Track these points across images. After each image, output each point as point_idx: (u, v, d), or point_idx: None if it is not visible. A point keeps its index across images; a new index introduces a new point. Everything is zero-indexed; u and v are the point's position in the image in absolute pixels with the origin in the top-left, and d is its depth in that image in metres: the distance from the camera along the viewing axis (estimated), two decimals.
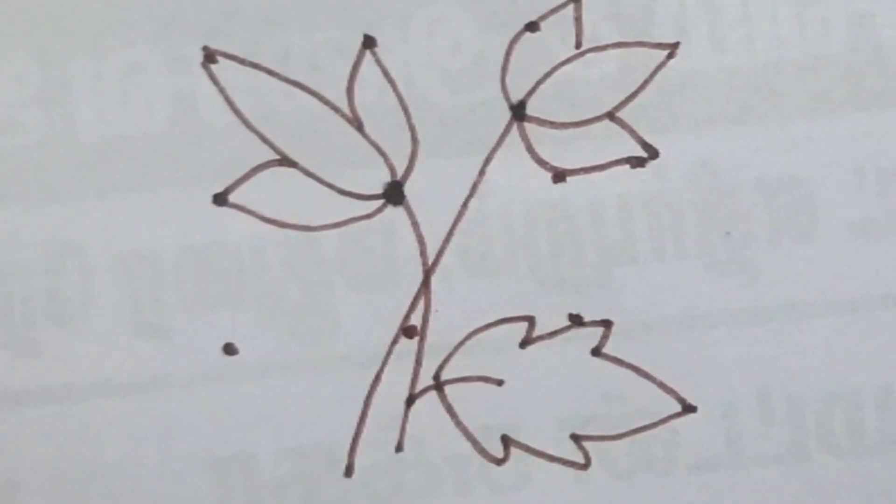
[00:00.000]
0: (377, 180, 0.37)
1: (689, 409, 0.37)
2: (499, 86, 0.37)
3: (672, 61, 0.37)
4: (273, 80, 0.37)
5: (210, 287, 0.37)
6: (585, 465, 0.37)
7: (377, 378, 0.37)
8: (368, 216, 0.37)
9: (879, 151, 0.37)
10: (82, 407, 0.37)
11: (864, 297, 0.37)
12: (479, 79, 0.37)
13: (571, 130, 0.37)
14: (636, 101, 0.37)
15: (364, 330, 0.37)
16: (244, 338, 0.37)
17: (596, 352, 0.37)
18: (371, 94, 0.37)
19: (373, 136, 0.37)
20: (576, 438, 0.37)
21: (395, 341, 0.37)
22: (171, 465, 0.37)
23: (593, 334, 0.37)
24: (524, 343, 0.37)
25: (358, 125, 0.37)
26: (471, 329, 0.37)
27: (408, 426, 0.37)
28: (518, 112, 0.37)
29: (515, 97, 0.37)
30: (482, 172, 0.37)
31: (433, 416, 0.37)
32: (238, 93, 0.37)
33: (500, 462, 0.37)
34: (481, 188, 0.37)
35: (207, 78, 0.37)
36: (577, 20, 0.37)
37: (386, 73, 0.37)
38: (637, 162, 0.37)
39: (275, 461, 0.37)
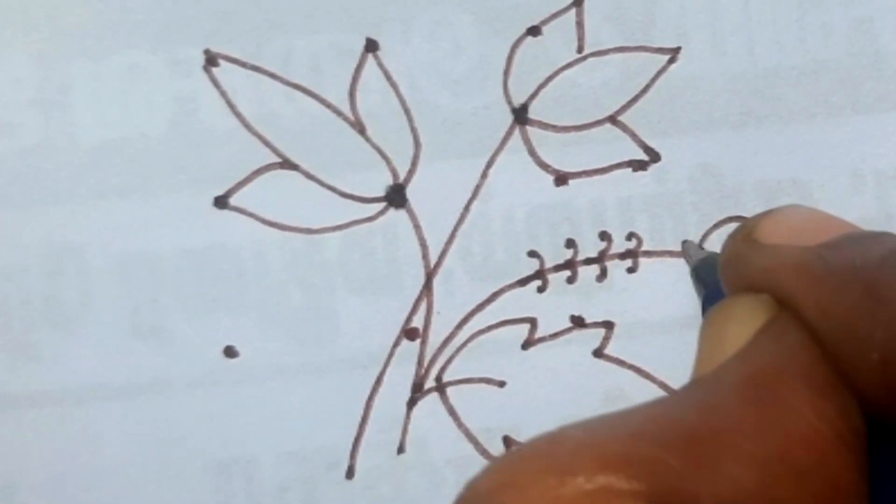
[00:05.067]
0: (379, 183, 0.37)
1: None
2: (501, 89, 0.37)
3: (673, 66, 0.37)
4: (275, 83, 0.37)
5: (211, 290, 0.37)
6: None
7: (378, 380, 0.37)
8: (370, 219, 0.37)
9: (878, 155, 0.37)
10: (81, 410, 0.36)
11: None
12: (481, 82, 0.37)
13: (573, 134, 0.37)
14: (638, 104, 0.37)
15: (365, 332, 0.37)
16: (245, 340, 0.37)
17: (598, 353, 0.37)
18: (373, 98, 0.37)
19: (375, 140, 0.37)
20: None
21: (396, 343, 0.37)
22: (171, 469, 0.37)
23: (595, 335, 0.37)
24: (526, 344, 0.37)
25: (360, 128, 0.37)
26: (473, 331, 0.37)
27: (409, 428, 0.37)
28: (520, 115, 0.37)
29: (518, 101, 0.37)
30: (484, 175, 0.37)
31: (435, 418, 0.37)
32: (239, 96, 0.37)
33: None
34: (483, 191, 0.37)
35: (209, 81, 0.37)
36: (579, 24, 0.37)
37: (388, 77, 0.37)
38: (638, 165, 0.37)
39: (276, 464, 0.37)
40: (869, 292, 0.15)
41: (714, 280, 0.26)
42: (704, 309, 0.26)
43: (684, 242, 0.36)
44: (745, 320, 0.16)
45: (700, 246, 0.36)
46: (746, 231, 0.18)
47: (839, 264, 0.16)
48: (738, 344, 0.16)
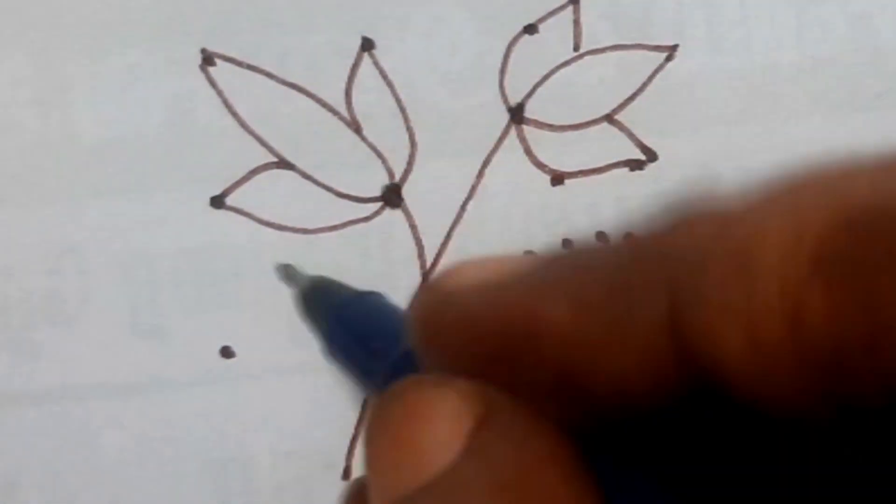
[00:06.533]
0: (375, 183, 0.37)
1: None
2: (497, 88, 0.37)
3: (670, 64, 0.37)
4: (271, 83, 0.37)
5: (208, 289, 0.37)
6: None
7: None
8: (367, 219, 0.37)
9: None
10: (80, 408, 0.37)
11: None
12: (477, 81, 0.37)
13: (570, 133, 0.37)
14: (634, 103, 0.37)
15: None
16: (242, 340, 0.37)
17: None
18: (369, 97, 0.37)
19: (371, 139, 0.37)
20: None
21: None
22: (168, 467, 0.37)
23: None
24: None
25: (356, 128, 0.37)
26: None
27: None
28: (516, 114, 0.37)
29: (514, 99, 0.37)
30: (480, 175, 0.37)
31: None
32: (236, 95, 0.37)
33: None
34: (479, 191, 0.37)
35: (205, 80, 0.37)
36: (576, 23, 0.37)
37: (384, 76, 0.37)
38: (635, 164, 0.37)
39: (272, 464, 0.37)
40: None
41: (332, 314, 0.19)
42: (327, 355, 0.19)
43: (279, 266, 0.27)
44: (448, 429, 0.12)
45: (295, 268, 0.28)
46: (435, 287, 0.14)
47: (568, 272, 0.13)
48: (439, 465, 0.12)
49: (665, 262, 0.12)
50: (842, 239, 0.11)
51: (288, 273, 0.25)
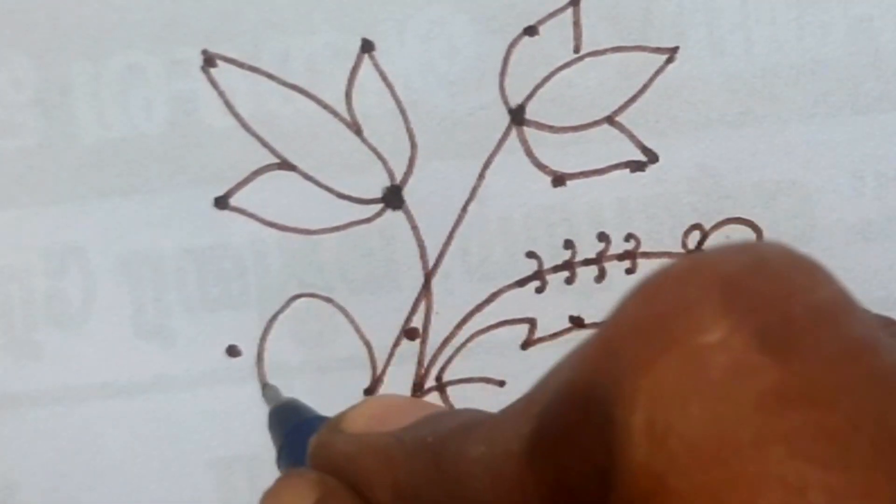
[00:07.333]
0: (376, 184, 0.37)
1: None
2: (497, 90, 0.37)
3: (671, 65, 0.37)
4: (272, 84, 0.37)
5: (212, 289, 0.37)
6: None
7: (379, 379, 0.37)
8: (368, 220, 0.37)
9: (878, 155, 0.37)
10: (83, 409, 0.37)
11: (863, 300, 0.37)
12: (477, 83, 0.37)
13: (570, 134, 0.37)
14: (635, 105, 0.37)
15: (366, 332, 0.37)
16: (247, 339, 0.37)
17: None
18: (369, 99, 0.37)
19: (371, 141, 0.37)
20: None
21: (396, 343, 0.37)
22: (173, 467, 0.37)
23: None
24: (525, 344, 0.37)
25: (357, 129, 0.37)
26: (472, 331, 0.37)
27: None
28: (517, 116, 0.37)
29: (514, 101, 0.37)
30: (481, 176, 0.37)
31: None
32: (237, 96, 0.37)
33: None
34: (481, 192, 0.37)
35: (207, 81, 0.37)
36: (576, 24, 0.37)
37: (384, 78, 0.37)
38: (636, 166, 0.37)
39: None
40: (436, 463, 0.16)
41: (287, 428, 0.28)
42: (279, 459, 0.27)
43: (264, 386, 0.36)
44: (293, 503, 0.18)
45: (278, 391, 0.36)
46: (334, 422, 0.19)
47: (413, 442, 0.16)
48: None
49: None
50: (547, 420, 0.14)
51: (265, 393, 0.32)
